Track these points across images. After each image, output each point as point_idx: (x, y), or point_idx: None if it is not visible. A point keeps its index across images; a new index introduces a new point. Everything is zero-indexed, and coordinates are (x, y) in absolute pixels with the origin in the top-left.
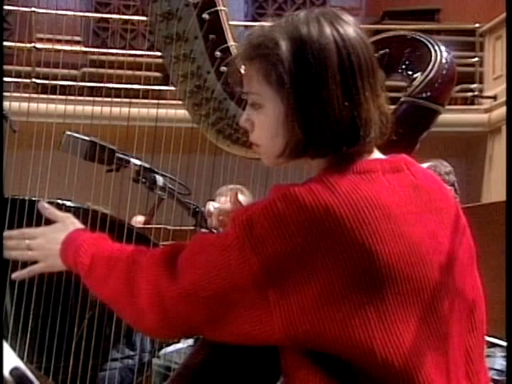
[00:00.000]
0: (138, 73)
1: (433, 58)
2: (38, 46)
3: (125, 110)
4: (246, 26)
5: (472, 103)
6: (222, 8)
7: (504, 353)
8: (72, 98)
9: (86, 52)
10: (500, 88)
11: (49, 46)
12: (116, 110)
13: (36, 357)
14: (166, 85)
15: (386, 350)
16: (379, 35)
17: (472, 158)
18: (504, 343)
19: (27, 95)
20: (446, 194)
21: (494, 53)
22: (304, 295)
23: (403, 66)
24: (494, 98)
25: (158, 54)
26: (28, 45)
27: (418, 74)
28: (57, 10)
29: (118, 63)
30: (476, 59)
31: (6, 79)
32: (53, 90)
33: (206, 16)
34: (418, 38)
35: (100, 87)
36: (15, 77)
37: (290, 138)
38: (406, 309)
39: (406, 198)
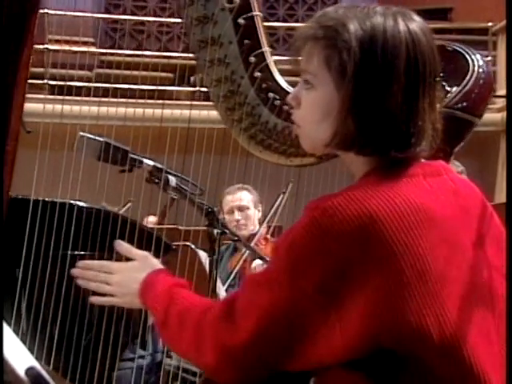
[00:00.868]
0: (149, 73)
1: (470, 68)
2: (51, 47)
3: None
4: None
5: None
6: (258, 13)
7: None
8: (86, 98)
9: (98, 53)
10: None
11: (60, 47)
12: (130, 110)
13: (50, 357)
14: (179, 85)
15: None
16: None
17: (485, 157)
18: None
19: (40, 96)
20: (484, 202)
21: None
22: (363, 303)
23: (440, 77)
24: (505, 97)
25: (171, 54)
26: (41, 46)
27: (455, 86)
28: (69, 11)
29: (133, 64)
30: (489, 58)
31: None
32: (66, 91)
33: (241, 21)
34: (458, 48)
35: (113, 88)
36: (28, 78)
37: (341, 128)
38: (459, 308)
39: (447, 203)
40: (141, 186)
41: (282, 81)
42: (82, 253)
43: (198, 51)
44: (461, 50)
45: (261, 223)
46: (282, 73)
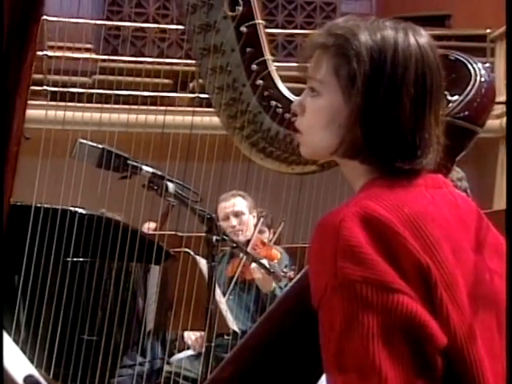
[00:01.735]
0: (148, 80)
1: (472, 78)
2: (50, 53)
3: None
4: None
5: None
6: (260, 21)
7: None
8: (87, 105)
9: (97, 59)
10: None
11: (60, 53)
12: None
13: (49, 364)
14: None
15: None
16: None
17: (483, 163)
18: None
19: (42, 103)
20: (480, 214)
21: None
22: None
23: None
24: (505, 103)
25: (171, 60)
26: (40, 53)
27: (457, 95)
28: (68, 17)
29: (132, 70)
30: (487, 65)
31: None
32: (65, 97)
33: (243, 29)
34: (459, 58)
35: (113, 94)
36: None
37: (348, 136)
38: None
39: (449, 214)
40: (142, 193)
41: (284, 89)
42: (82, 260)
43: (200, 59)
44: (463, 59)
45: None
46: (282, 79)
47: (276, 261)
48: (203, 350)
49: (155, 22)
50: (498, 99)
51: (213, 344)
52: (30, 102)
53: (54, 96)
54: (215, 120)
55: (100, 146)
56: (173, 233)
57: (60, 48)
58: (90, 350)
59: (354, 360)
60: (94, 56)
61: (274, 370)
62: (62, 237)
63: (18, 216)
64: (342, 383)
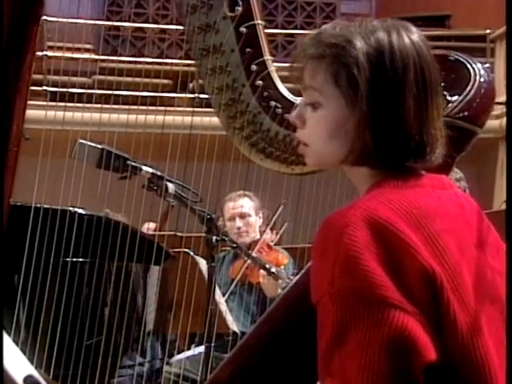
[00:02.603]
0: (147, 80)
1: (471, 78)
2: (50, 53)
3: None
4: None
5: None
6: (260, 22)
7: None
8: (87, 105)
9: (96, 60)
10: None
11: (60, 53)
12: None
13: (49, 364)
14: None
15: None
16: None
17: (483, 164)
18: None
19: (42, 103)
20: (481, 215)
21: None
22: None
23: (441, 87)
24: (505, 104)
25: (170, 61)
26: (39, 53)
27: (456, 95)
28: (68, 18)
29: (132, 70)
30: (487, 65)
31: None
32: (65, 97)
33: (243, 29)
34: (459, 58)
35: (112, 94)
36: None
37: (357, 144)
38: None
39: (455, 215)
40: (142, 193)
41: (283, 89)
42: (82, 260)
43: (200, 59)
44: (462, 60)
45: (262, 231)
46: (281, 79)
47: (283, 266)
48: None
49: (155, 22)
50: (497, 99)
51: (213, 344)
52: (29, 102)
53: (53, 96)
54: (215, 120)
55: (99, 146)
56: (172, 233)
57: (60, 48)
58: (89, 351)
59: (340, 367)
60: (93, 56)
61: (273, 370)
62: (61, 237)
63: (18, 216)
64: None
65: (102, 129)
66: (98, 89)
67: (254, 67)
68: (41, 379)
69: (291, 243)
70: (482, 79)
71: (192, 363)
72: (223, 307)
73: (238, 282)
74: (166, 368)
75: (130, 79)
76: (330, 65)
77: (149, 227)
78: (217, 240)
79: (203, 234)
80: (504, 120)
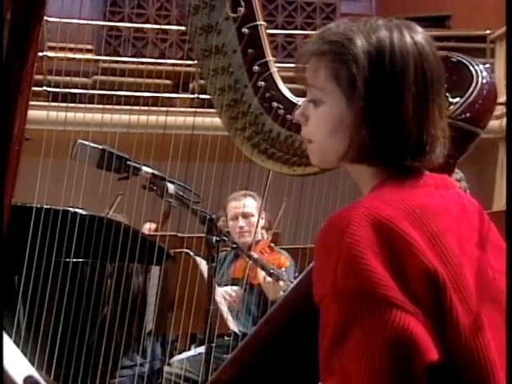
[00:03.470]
0: (147, 80)
1: (474, 79)
2: (50, 54)
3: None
4: None
5: None
6: (262, 23)
7: None
8: (89, 106)
9: (97, 60)
10: None
11: (60, 54)
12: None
13: (50, 365)
14: (179, 92)
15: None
16: None
17: (483, 164)
18: None
19: (44, 104)
20: (483, 215)
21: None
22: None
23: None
24: (505, 104)
25: (170, 61)
26: (39, 53)
27: (458, 97)
28: (68, 18)
29: (132, 71)
30: (487, 65)
31: None
32: (66, 98)
33: (245, 30)
34: (461, 59)
35: (111, 95)
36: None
37: (356, 141)
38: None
39: (458, 215)
40: (143, 194)
41: (285, 90)
42: (82, 261)
43: (202, 60)
44: (464, 61)
45: (265, 230)
46: (282, 80)
47: (284, 269)
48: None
49: (155, 22)
50: (498, 100)
51: (213, 345)
52: (31, 102)
53: (55, 97)
54: (217, 121)
55: (100, 146)
56: (173, 233)
57: (60, 49)
58: (90, 351)
59: (341, 367)
60: (94, 57)
61: (275, 372)
62: (63, 238)
63: (19, 217)
64: None
65: (104, 129)
66: (100, 89)
67: (256, 68)
68: (41, 380)
69: (292, 244)
70: (484, 81)
71: (192, 364)
72: (224, 308)
73: (241, 282)
74: (166, 369)
75: (131, 79)
76: (330, 62)
77: (149, 228)
78: (217, 240)
79: (203, 235)
80: (504, 120)
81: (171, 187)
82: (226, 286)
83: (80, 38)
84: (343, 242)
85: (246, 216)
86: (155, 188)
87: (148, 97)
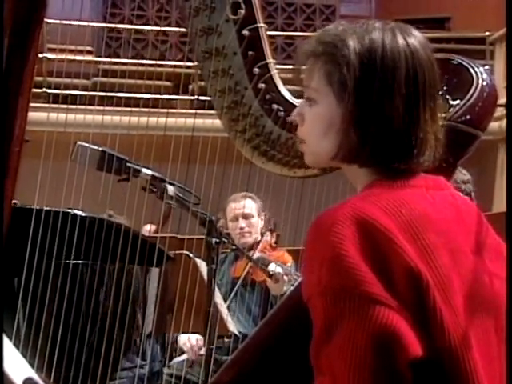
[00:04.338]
0: (147, 82)
1: (474, 82)
2: (49, 55)
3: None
4: None
5: None
6: (262, 25)
7: None
8: (89, 107)
9: (96, 62)
10: None
11: (59, 56)
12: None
13: (49, 367)
14: (176, 94)
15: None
16: None
17: (483, 166)
18: None
19: (44, 105)
20: (480, 217)
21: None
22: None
23: (443, 90)
24: (505, 106)
25: (170, 63)
26: (39, 55)
27: (458, 99)
28: (67, 20)
29: (131, 72)
30: (486, 67)
31: None
32: (65, 99)
33: (245, 32)
34: (461, 62)
35: (112, 97)
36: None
37: (345, 141)
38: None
39: (450, 216)
40: (143, 195)
41: (285, 92)
42: (82, 262)
43: (203, 62)
44: (465, 63)
45: (264, 232)
46: (282, 82)
47: (289, 264)
48: (201, 355)
49: (155, 24)
50: (497, 102)
51: (213, 347)
52: (31, 104)
53: (55, 98)
54: (217, 122)
55: (100, 148)
56: (173, 235)
57: (60, 50)
58: (90, 353)
59: (328, 364)
60: (94, 58)
61: (275, 374)
62: (63, 239)
63: (19, 219)
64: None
65: (104, 131)
66: (100, 91)
67: (256, 70)
68: (40, 382)
69: (293, 245)
70: (485, 83)
71: (192, 365)
72: (223, 309)
73: (241, 281)
74: (165, 370)
75: (131, 81)
76: (324, 63)
77: (149, 229)
78: (217, 242)
79: (204, 237)
80: (504, 122)
81: (171, 189)
82: (226, 286)
83: (80, 39)
84: (328, 240)
85: (246, 217)
86: (155, 190)
87: (148, 98)
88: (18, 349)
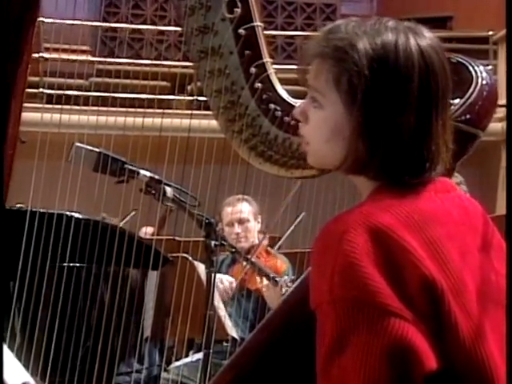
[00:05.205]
0: (145, 82)
1: (474, 81)
2: (46, 55)
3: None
4: None
5: None
6: (259, 24)
7: None
8: (84, 108)
9: (93, 61)
10: None
11: (56, 55)
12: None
13: (45, 371)
14: (173, 94)
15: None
16: None
17: (485, 167)
18: None
19: (38, 105)
20: (486, 218)
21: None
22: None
23: None
24: (505, 106)
25: (168, 63)
26: (36, 55)
27: (458, 98)
28: (65, 19)
29: (130, 72)
30: (489, 67)
31: None
32: (62, 99)
33: (242, 31)
34: (461, 60)
35: (110, 97)
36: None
37: (352, 152)
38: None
39: (458, 218)
40: (139, 197)
41: (283, 92)
42: (78, 265)
43: (198, 61)
44: (464, 62)
45: (262, 235)
46: (282, 81)
47: (283, 271)
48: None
49: (153, 23)
50: (500, 102)
51: (211, 351)
52: (25, 104)
53: (50, 99)
54: (213, 123)
55: (97, 149)
56: (171, 237)
57: (56, 50)
58: (86, 357)
59: (339, 376)
60: (90, 58)
61: (272, 378)
62: (57, 242)
63: (13, 221)
64: None
65: (99, 131)
66: (95, 91)
67: (252, 69)
68: None
69: (290, 248)
70: (484, 82)
71: (190, 370)
72: (222, 312)
73: (236, 286)
74: (163, 375)
75: (127, 81)
76: (332, 67)
77: (146, 231)
78: (215, 245)
79: (202, 239)
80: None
81: (169, 190)
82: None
83: (76, 38)
84: (340, 248)
85: (241, 222)
86: (153, 191)
87: (145, 99)
88: (13, 353)
